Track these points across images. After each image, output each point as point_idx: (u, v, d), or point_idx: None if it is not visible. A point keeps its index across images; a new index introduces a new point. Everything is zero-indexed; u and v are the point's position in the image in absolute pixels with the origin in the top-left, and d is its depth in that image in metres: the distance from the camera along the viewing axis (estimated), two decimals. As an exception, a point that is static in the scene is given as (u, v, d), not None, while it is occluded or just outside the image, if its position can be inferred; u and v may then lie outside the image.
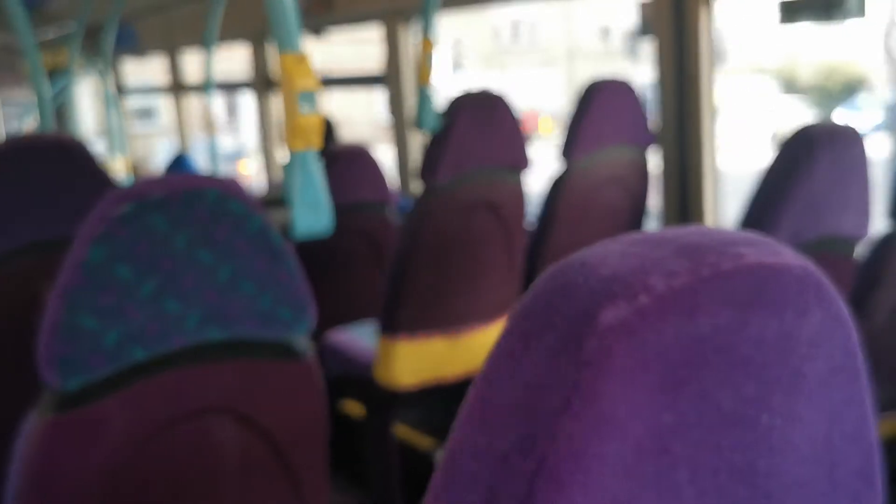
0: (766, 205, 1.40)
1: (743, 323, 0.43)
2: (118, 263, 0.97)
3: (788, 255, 0.45)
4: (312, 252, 2.56)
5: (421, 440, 2.72)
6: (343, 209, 2.67)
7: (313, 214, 1.16)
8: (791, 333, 0.45)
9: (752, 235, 0.47)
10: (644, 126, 2.58)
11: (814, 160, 1.39)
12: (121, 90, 6.88)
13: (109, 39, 4.39)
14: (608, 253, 0.44)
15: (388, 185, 2.87)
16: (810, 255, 1.41)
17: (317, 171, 1.15)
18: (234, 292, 1.06)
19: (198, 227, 1.01)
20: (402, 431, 2.64)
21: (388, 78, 3.72)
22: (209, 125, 3.77)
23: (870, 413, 0.52)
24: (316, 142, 1.14)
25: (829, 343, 0.47)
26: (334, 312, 2.67)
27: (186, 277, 1.02)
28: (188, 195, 1.00)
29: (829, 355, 0.47)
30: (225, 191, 1.03)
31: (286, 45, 1.10)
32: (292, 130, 1.12)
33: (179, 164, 4.69)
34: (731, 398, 0.43)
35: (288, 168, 1.15)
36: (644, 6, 2.70)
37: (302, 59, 1.11)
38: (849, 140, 1.46)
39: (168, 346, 1.03)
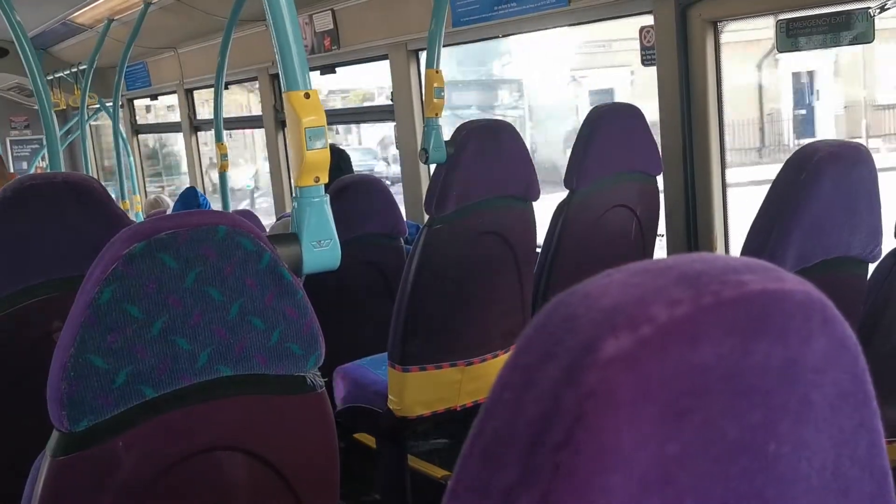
0: (772, 226, 1.40)
1: (747, 351, 0.43)
2: (127, 302, 0.98)
3: (791, 281, 0.45)
4: (325, 284, 2.57)
5: (433, 470, 2.70)
6: (355, 240, 2.69)
7: (322, 249, 1.16)
8: (796, 360, 0.45)
9: (754, 261, 0.47)
10: (653, 153, 2.58)
11: (819, 179, 1.38)
12: (135, 128, 6.96)
13: (119, 78, 4.44)
14: (610, 283, 0.44)
15: (400, 216, 2.88)
16: (819, 277, 1.41)
17: (325, 205, 1.16)
18: (243, 329, 1.06)
19: (207, 264, 1.02)
20: (415, 461, 2.63)
21: (396, 109, 3.75)
22: (220, 160, 3.79)
23: (881, 438, 0.51)
24: (324, 177, 1.15)
25: (836, 368, 0.47)
26: (348, 344, 2.67)
27: (196, 315, 1.02)
28: (197, 232, 1.01)
29: (835, 381, 0.47)
30: (233, 227, 1.04)
31: (293, 83, 1.12)
32: (300, 166, 1.13)
33: (189, 198, 4.72)
34: (736, 427, 0.43)
35: (296, 202, 1.16)
36: (645, 33, 2.71)
37: (309, 96, 1.12)
38: (855, 158, 1.45)
39: (177, 384, 1.03)
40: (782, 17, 2.29)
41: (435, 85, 2.23)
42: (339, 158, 3.24)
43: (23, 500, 1.06)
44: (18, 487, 1.10)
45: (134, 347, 0.99)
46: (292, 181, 1.18)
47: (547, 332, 0.43)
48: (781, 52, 2.35)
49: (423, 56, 3.33)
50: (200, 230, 1.01)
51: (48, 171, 2.55)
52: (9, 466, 1.27)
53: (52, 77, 6.28)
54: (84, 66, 5.12)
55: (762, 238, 1.41)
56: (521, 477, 0.40)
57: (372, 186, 2.78)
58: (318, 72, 4.22)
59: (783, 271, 0.46)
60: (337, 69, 4.16)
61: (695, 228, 2.59)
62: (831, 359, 0.46)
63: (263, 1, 1.12)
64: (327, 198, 1.18)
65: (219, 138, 3.77)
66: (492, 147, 2.23)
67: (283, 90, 1.13)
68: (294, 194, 1.18)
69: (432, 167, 2.60)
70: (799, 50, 2.35)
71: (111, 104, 5.23)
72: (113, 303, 0.97)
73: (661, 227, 2.70)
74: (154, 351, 1.01)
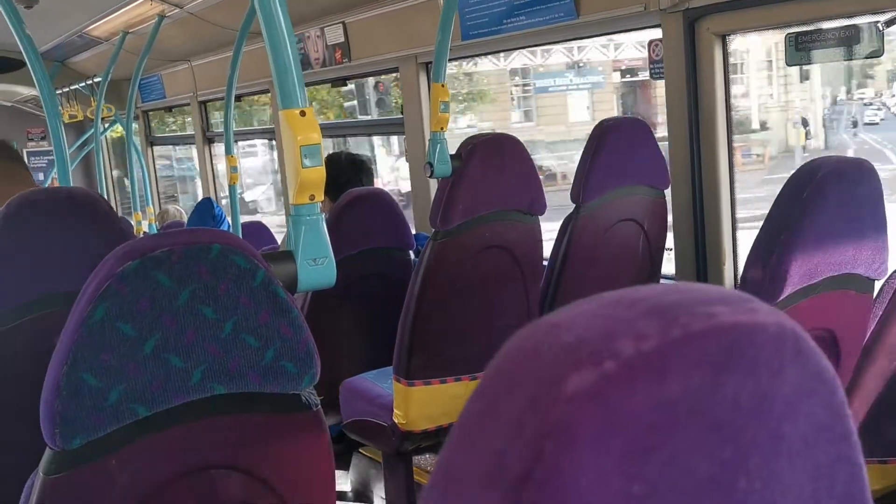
0: (775, 243, 1.38)
1: (716, 384, 0.42)
2: (120, 321, 0.98)
3: (764, 313, 0.44)
4: (332, 297, 2.57)
5: None
6: (363, 254, 2.70)
7: (317, 267, 1.16)
8: (767, 393, 0.44)
9: (729, 292, 0.46)
10: (661, 166, 2.56)
11: (823, 196, 1.37)
12: (150, 140, 7.01)
13: (133, 90, 4.47)
14: (577, 314, 0.43)
15: (407, 229, 2.88)
16: (824, 295, 1.39)
17: (320, 222, 1.16)
18: (237, 347, 1.05)
19: (200, 282, 1.02)
20: (421, 475, 2.62)
21: (406, 122, 3.75)
22: (229, 173, 3.81)
23: (861, 472, 0.50)
24: (319, 195, 1.15)
25: (809, 401, 0.46)
26: (356, 356, 2.67)
27: (189, 333, 1.02)
28: (190, 251, 1.01)
29: (810, 414, 0.46)
30: (227, 245, 1.04)
31: (288, 101, 1.12)
32: (295, 183, 1.13)
33: (205, 209, 4.75)
34: (705, 463, 0.42)
35: (291, 220, 1.16)
36: (654, 46, 2.70)
37: (304, 113, 1.12)
38: (859, 174, 1.44)
39: (171, 403, 1.03)
40: (791, 31, 2.28)
41: (441, 99, 2.23)
42: (361, 171, 3.22)
43: None
44: (16, 502, 1.10)
45: (127, 366, 0.99)
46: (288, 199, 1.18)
47: (513, 363, 0.42)
48: (790, 65, 2.33)
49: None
50: (194, 248, 1.01)
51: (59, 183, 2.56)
52: (6, 483, 1.27)
53: (67, 89, 6.34)
54: (99, 79, 5.16)
55: (765, 255, 1.40)
56: None
57: (379, 199, 2.78)
58: (329, 84, 4.23)
59: (758, 302, 0.45)
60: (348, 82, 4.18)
61: (703, 243, 2.57)
62: (805, 391, 0.45)
63: (259, 19, 1.12)
64: (323, 216, 1.18)
65: (228, 150, 3.79)
66: (497, 161, 2.22)
67: (279, 108, 1.13)
68: (289, 212, 1.18)
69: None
70: (809, 63, 2.34)
71: (125, 116, 5.27)
72: (106, 321, 0.97)
73: (669, 241, 2.68)
74: (147, 369, 1.01)
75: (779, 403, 0.44)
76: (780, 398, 0.44)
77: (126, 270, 0.98)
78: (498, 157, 2.22)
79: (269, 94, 4.77)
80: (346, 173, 3.13)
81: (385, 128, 4.39)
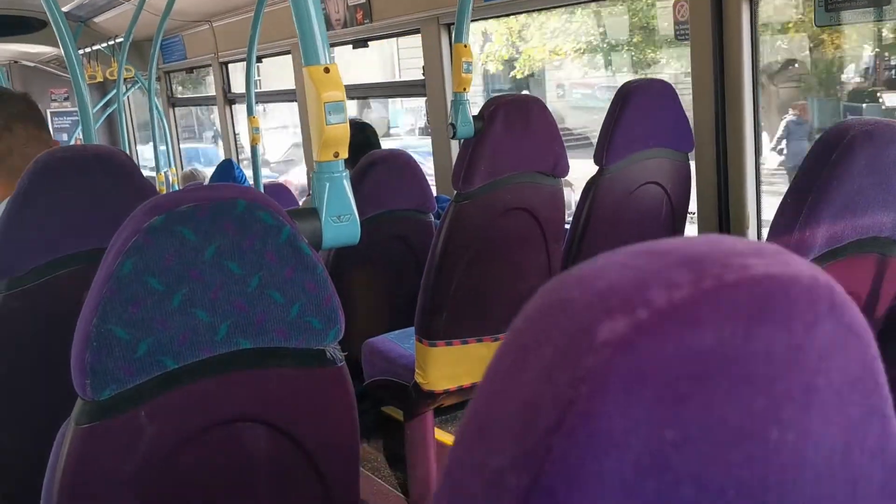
0: (801, 206, 1.37)
1: (749, 336, 0.42)
2: (148, 274, 0.99)
3: (798, 265, 0.44)
4: (355, 259, 2.58)
5: None
6: (385, 215, 2.70)
7: (341, 224, 1.16)
8: (801, 346, 0.43)
9: (762, 245, 0.46)
10: (685, 129, 2.54)
11: (851, 158, 1.35)
12: (171, 101, 7.01)
13: (154, 51, 4.47)
14: (607, 265, 0.43)
15: (429, 191, 2.87)
16: (850, 258, 1.38)
17: (344, 180, 1.16)
18: (262, 302, 1.06)
19: (226, 237, 1.02)
20: (442, 435, 2.65)
21: (427, 84, 3.73)
22: (251, 133, 3.81)
23: (892, 426, 0.50)
24: (343, 152, 1.15)
25: (843, 355, 0.46)
26: (378, 318, 2.69)
27: (215, 287, 1.03)
28: (216, 206, 1.01)
29: (843, 367, 0.46)
30: (253, 201, 1.04)
31: (312, 57, 1.11)
32: (319, 141, 1.13)
33: (225, 170, 4.76)
34: (737, 413, 0.42)
35: (315, 177, 1.16)
36: (679, 7, 2.66)
37: (328, 70, 1.11)
38: (890, 137, 1.41)
39: (198, 356, 1.04)
40: (821, -10, 2.23)
41: (463, 59, 2.21)
42: (366, 134, 3.23)
43: (48, 467, 1.08)
44: (45, 454, 1.12)
45: (154, 319, 1.00)
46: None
47: (542, 315, 0.42)
48: (818, 26, 2.29)
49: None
50: (220, 204, 1.02)
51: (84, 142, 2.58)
52: (36, 434, 1.29)
53: (90, 49, 6.34)
54: (121, 39, 5.15)
55: (791, 218, 1.38)
56: (513, 459, 0.40)
57: (401, 161, 2.77)
58: (351, 46, 4.20)
59: (791, 255, 0.45)
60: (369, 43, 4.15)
61: (727, 206, 2.55)
62: (838, 345, 0.45)
63: None
64: (347, 173, 1.18)
65: (250, 111, 3.79)
66: (520, 122, 2.21)
67: (303, 64, 1.13)
68: (313, 169, 1.17)
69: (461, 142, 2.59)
70: (839, 24, 2.29)
71: (148, 77, 5.27)
72: (134, 274, 0.98)
73: (693, 206, 2.66)
74: (174, 322, 1.02)
75: (812, 356, 0.44)
76: (813, 351, 0.44)
77: (152, 225, 0.99)
78: (521, 118, 2.21)
79: (291, 56, 4.75)
80: (356, 136, 3.14)
81: (406, 89, 4.37)
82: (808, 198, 1.37)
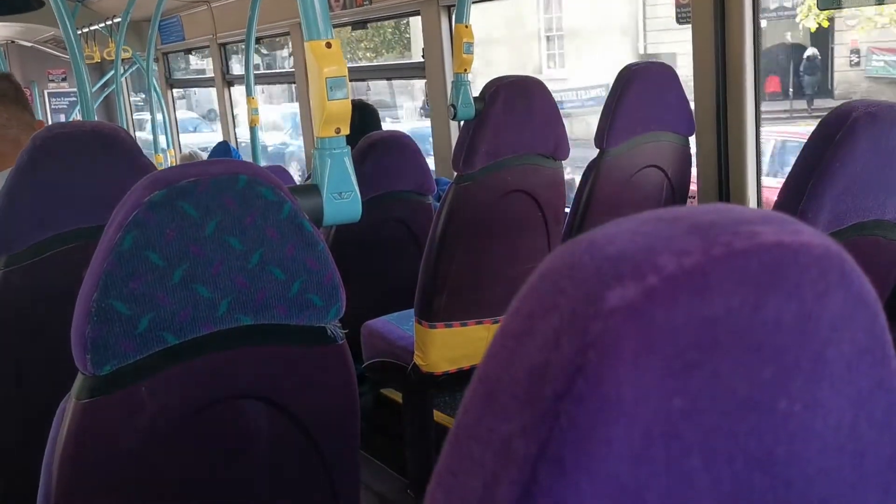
0: (804, 187, 1.36)
1: (758, 304, 0.41)
2: (149, 249, 0.98)
3: (808, 234, 0.44)
4: (353, 240, 2.57)
5: None
6: (384, 197, 2.69)
7: (342, 201, 1.15)
8: (811, 315, 0.43)
9: (772, 213, 0.45)
10: (686, 112, 2.53)
11: (854, 140, 1.34)
12: (169, 82, 6.98)
13: (153, 32, 4.44)
14: (618, 231, 0.43)
15: (429, 173, 2.86)
16: (852, 240, 1.37)
17: (346, 156, 1.15)
18: (263, 278, 1.06)
19: (227, 213, 1.02)
20: (441, 417, 2.65)
21: (427, 65, 3.71)
22: (250, 115, 3.80)
23: None
24: (345, 128, 1.14)
25: (853, 325, 0.45)
26: (376, 300, 2.68)
27: (216, 263, 1.02)
28: (217, 182, 1.01)
29: (852, 338, 0.45)
30: (254, 177, 1.03)
31: (314, 32, 1.10)
32: (321, 116, 1.12)
33: (222, 152, 4.75)
34: (746, 382, 0.42)
35: (317, 154, 1.15)
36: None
37: (330, 45, 1.10)
38: (893, 118, 1.41)
39: (198, 332, 1.04)
40: (825, -28, 2.22)
41: (464, 40, 2.19)
42: (365, 113, 3.21)
43: (48, 442, 1.08)
44: (45, 430, 1.12)
45: (155, 294, 1.00)
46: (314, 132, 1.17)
47: (550, 281, 0.42)
48: (822, 9, 2.28)
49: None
50: (221, 179, 1.01)
51: None
52: (36, 410, 1.29)
53: (87, 30, 6.30)
54: (119, 20, 5.12)
55: (794, 199, 1.38)
56: (521, 426, 0.39)
57: (401, 143, 2.76)
58: (350, 28, 4.18)
59: (801, 224, 0.45)
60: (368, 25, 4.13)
61: (727, 190, 2.54)
62: (848, 315, 0.45)
63: None
64: (348, 149, 1.17)
65: (249, 92, 3.77)
66: (521, 104, 2.20)
67: (304, 39, 1.12)
68: (315, 145, 1.17)
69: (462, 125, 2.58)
70: (840, 7, 2.28)
71: (146, 58, 5.24)
72: (134, 249, 0.98)
73: (693, 189, 2.66)
74: (175, 298, 1.01)
75: (822, 326, 0.44)
76: (824, 321, 0.43)
77: (153, 200, 0.98)
78: (522, 100, 2.20)
79: (290, 38, 4.72)
80: (356, 117, 3.13)
81: (405, 72, 4.35)
82: (810, 180, 1.36)
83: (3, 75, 2.01)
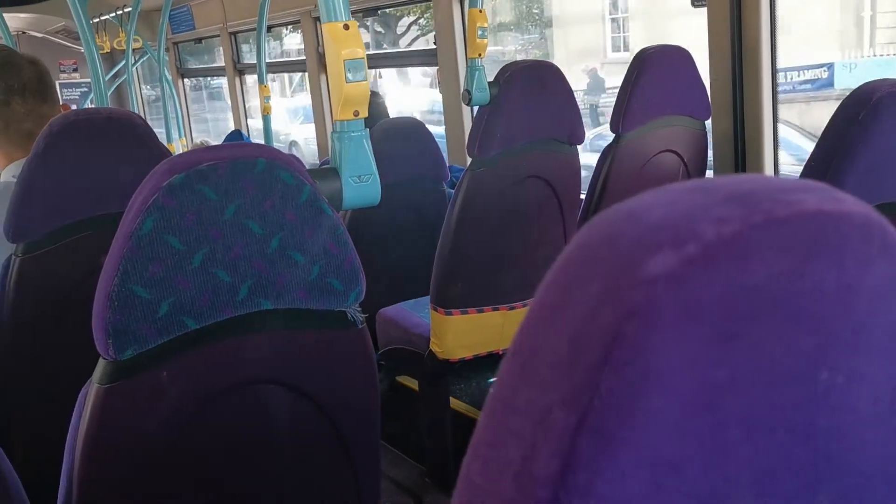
0: (826, 168, 1.35)
1: (799, 273, 0.41)
2: (168, 233, 0.98)
3: (850, 203, 0.43)
4: (368, 227, 2.57)
5: (475, 412, 2.72)
6: (398, 184, 2.68)
7: (362, 184, 1.15)
8: (852, 285, 0.42)
9: (811, 182, 0.45)
10: (702, 96, 2.51)
11: (878, 120, 1.33)
12: (181, 72, 6.98)
13: (164, 21, 4.44)
14: (656, 201, 0.42)
15: (442, 160, 2.86)
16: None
17: (364, 139, 1.14)
18: (283, 262, 1.05)
19: (246, 196, 1.01)
20: (457, 403, 2.65)
21: (439, 52, 3.70)
22: (262, 103, 3.79)
23: None
24: (363, 111, 1.13)
25: (895, 296, 0.44)
26: (392, 287, 2.68)
27: (236, 247, 1.02)
28: (236, 165, 1.00)
29: (894, 309, 0.45)
30: (272, 160, 1.03)
31: (332, 13, 1.09)
32: (339, 99, 1.11)
33: (234, 140, 4.76)
34: (787, 352, 0.41)
35: (335, 137, 1.15)
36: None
37: (348, 27, 1.10)
38: None
39: (219, 317, 1.04)
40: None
41: (478, 25, 2.18)
42: (374, 103, 3.20)
43: (70, 427, 1.08)
44: (67, 415, 1.12)
45: (175, 278, 1.00)
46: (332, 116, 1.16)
47: (587, 250, 0.41)
48: None
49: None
50: (240, 163, 1.01)
51: None
52: (57, 395, 1.30)
53: (98, 20, 6.31)
54: (129, 9, 5.12)
55: (815, 178, 1.37)
56: (558, 396, 0.39)
57: (415, 130, 2.75)
58: (361, 14, 4.17)
59: (842, 193, 0.44)
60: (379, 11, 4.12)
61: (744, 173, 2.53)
62: (890, 286, 0.44)
63: None
64: (367, 132, 1.16)
65: (261, 80, 3.77)
66: (536, 89, 2.18)
67: (322, 21, 1.11)
68: (333, 129, 1.16)
69: (475, 111, 2.57)
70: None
71: (157, 47, 5.24)
72: (154, 233, 0.97)
73: (710, 173, 2.64)
74: (195, 282, 1.01)
75: (864, 296, 0.43)
76: (865, 291, 0.43)
77: (172, 184, 0.98)
78: (537, 85, 2.18)
79: (301, 24, 4.71)
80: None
81: (418, 58, 4.34)
82: (832, 159, 1.35)
83: (30, 60, 1.96)
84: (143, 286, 0.98)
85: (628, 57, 2.64)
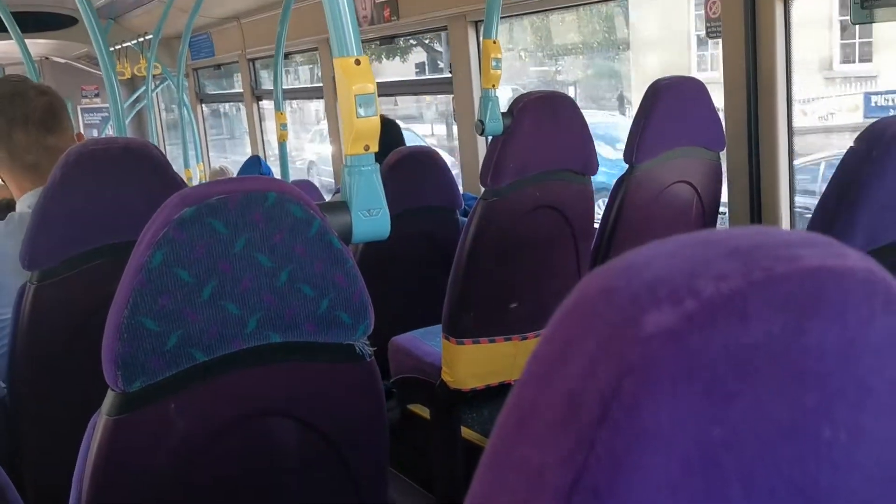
0: (839, 205, 1.34)
1: (800, 330, 0.40)
2: (178, 266, 0.98)
3: (852, 258, 0.42)
4: (381, 255, 2.57)
5: (486, 443, 2.70)
6: (411, 212, 2.69)
7: (371, 218, 1.15)
8: (855, 341, 0.42)
9: (814, 236, 0.44)
10: (717, 127, 2.51)
11: (889, 157, 1.32)
12: (200, 97, 7.06)
13: (183, 48, 4.50)
14: (655, 254, 0.42)
15: (456, 188, 2.86)
16: (888, 259, 1.34)
17: (375, 174, 1.15)
18: (292, 295, 1.06)
19: (256, 230, 1.02)
20: (469, 433, 2.63)
21: (455, 81, 3.72)
22: (279, 130, 3.82)
23: None
24: (374, 145, 1.14)
25: None
26: (404, 315, 2.68)
27: (245, 280, 1.02)
28: (246, 198, 1.01)
29: None
30: (283, 194, 1.03)
31: (343, 49, 1.10)
32: (350, 134, 1.12)
33: (253, 166, 4.79)
34: (787, 410, 0.41)
35: (346, 171, 1.15)
36: (711, 3, 2.63)
37: (359, 62, 1.10)
38: None
39: (227, 349, 1.04)
40: (857, -14, 2.19)
41: (492, 56, 2.19)
42: (390, 129, 3.22)
43: (78, 458, 1.08)
44: (76, 444, 1.12)
45: (184, 311, 1.00)
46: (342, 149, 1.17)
47: (586, 304, 0.41)
48: (855, 23, 2.25)
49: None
50: (250, 196, 1.01)
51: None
52: (67, 424, 1.30)
53: (119, 46, 6.40)
54: (150, 36, 5.19)
55: (828, 217, 1.36)
56: (555, 454, 0.38)
57: (428, 158, 2.77)
58: (377, 42, 4.20)
59: (845, 247, 0.43)
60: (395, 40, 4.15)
61: (759, 206, 2.52)
62: (894, 341, 0.43)
63: None
64: (377, 166, 1.17)
65: (278, 107, 3.80)
66: (549, 119, 2.19)
67: (333, 56, 1.12)
68: (344, 163, 1.17)
69: (489, 139, 2.57)
70: (873, 21, 2.25)
71: (176, 74, 5.30)
72: (164, 266, 0.98)
73: (724, 206, 2.63)
74: (204, 315, 1.01)
75: (868, 352, 0.42)
76: (869, 347, 0.42)
77: (183, 217, 0.98)
78: (550, 115, 2.19)
79: (318, 53, 4.76)
80: (383, 133, 3.13)
81: (433, 87, 4.36)
82: (845, 197, 1.34)
83: (43, 91, 1.93)
84: (152, 318, 0.98)
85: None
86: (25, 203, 1.83)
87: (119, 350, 0.98)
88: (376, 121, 1.12)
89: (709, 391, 0.39)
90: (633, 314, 0.39)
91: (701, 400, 0.39)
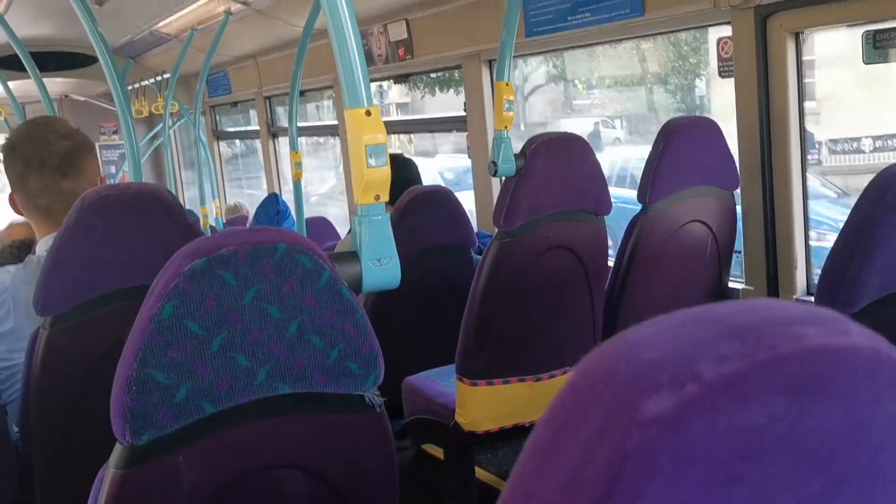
0: (854, 251, 1.33)
1: (805, 412, 0.40)
2: (188, 318, 0.98)
3: (857, 335, 0.42)
4: (395, 295, 2.57)
5: (500, 483, 2.67)
6: (425, 252, 2.70)
7: (381, 267, 1.15)
8: (862, 422, 0.41)
9: (821, 311, 0.44)
10: (730, 166, 2.50)
11: None
12: (216, 134, 7.13)
13: (200, 86, 4.55)
14: (655, 333, 0.42)
15: (470, 227, 2.86)
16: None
17: (385, 223, 1.15)
18: (301, 346, 1.06)
19: (266, 281, 1.02)
20: (483, 474, 2.61)
21: (469, 120, 3.74)
22: (293, 168, 3.84)
23: None
24: (384, 195, 1.14)
25: None
26: (418, 355, 2.67)
27: (254, 332, 1.02)
28: (256, 250, 1.01)
29: None
30: (293, 245, 1.04)
31: (354, 100, 1.11)
32: (360, 184, 1.13)
33: (270, 203, 4.82)
34: (792, 496, 0.40)
35: (356, 220, 1.16)
36: (723, 44, 2.63)
37: (370, 113, 1.11)
38: None
39: (236, 401, 1.04)
40: (869, 28, 2.20)
41: (505, 97, 2.20)
42: (406, 170, 3.23)
43: None
44: (88, 490, 1.12)
45: (194, 363, 1.00)
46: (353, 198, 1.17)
47: (587, 386, 0.41)
48: (868, 63, 2.24)
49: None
50: (260, 248, 1.02)
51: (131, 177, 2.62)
52: (76, 474, 1.30)
53: (137, 85, 6.48)
54: (168, 75, 5.26)
55: (843, 263, 1.35)
56: None
57: (442, 198, 2.77)
58: (392, 80, 4.24)
59: (852, 324, 0.43)
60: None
61: (773, 246, 2.50)
62: None
63: (326, 17, 1.11)
64: (388, 216, 1.17)
65: (293, 146, 3.82)
66: (562, 160, 2.19)
67: (344, 107, 1.13)
68: (354, 212, 1.17)
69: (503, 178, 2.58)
70: (887, 62, 2.25)
71: (193, 111, 5.36)
72: (174, 319, 0.98)
73: (739, 245, 2.62)
74: (213, 367, 1.01)
75: (875, 433, 0.41)
76: (876, 427, 0.41)
77: (193, 269, 0.99)
78: (563, 156, 2.19)
79: (333, 90, 4.80)
80: (396, 172, 3.14)
81: (448, 125, 4.39)
82: (860, 242, 1.33)
83: (66, 135, 1.92)
84: (161, 371, 0.98)
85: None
86: (43, 247, 1.85)
87: (128, 403, 0.97)
88: (387, 170, 1.12)
89: (711, 476, 0.38)
90: (632, 399, 0.38)
91: (703, 485, 0.38)
